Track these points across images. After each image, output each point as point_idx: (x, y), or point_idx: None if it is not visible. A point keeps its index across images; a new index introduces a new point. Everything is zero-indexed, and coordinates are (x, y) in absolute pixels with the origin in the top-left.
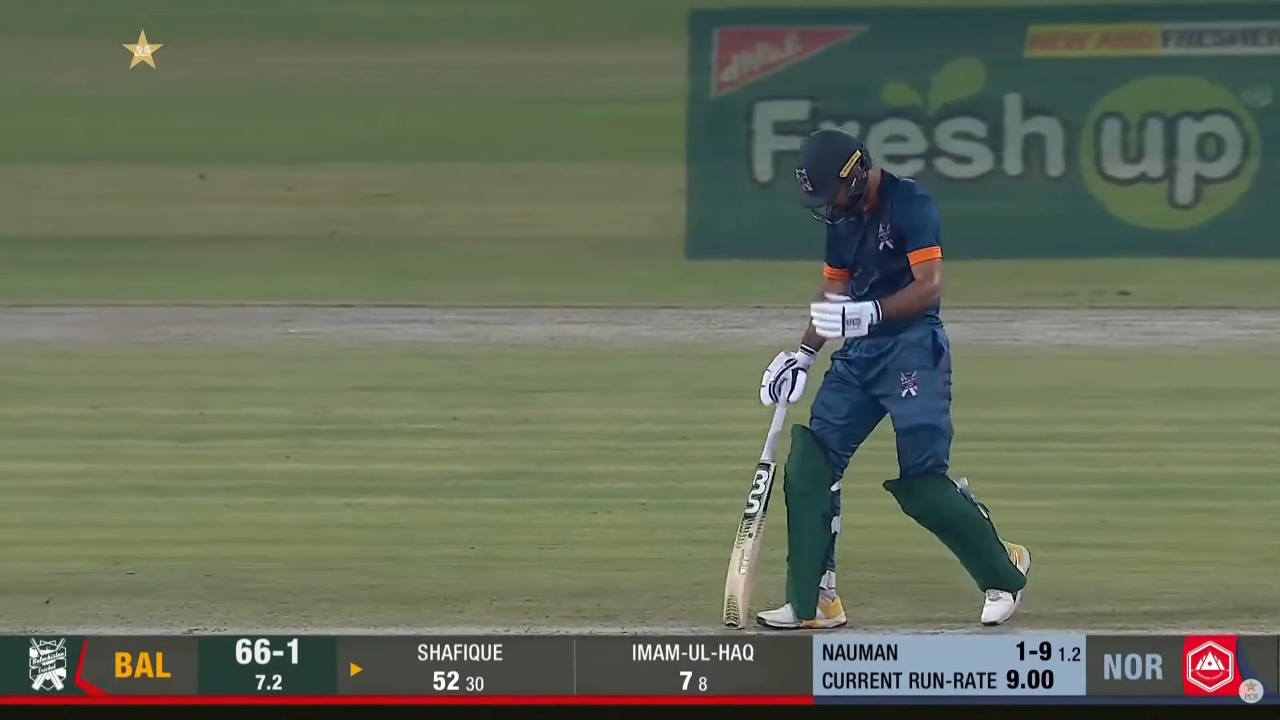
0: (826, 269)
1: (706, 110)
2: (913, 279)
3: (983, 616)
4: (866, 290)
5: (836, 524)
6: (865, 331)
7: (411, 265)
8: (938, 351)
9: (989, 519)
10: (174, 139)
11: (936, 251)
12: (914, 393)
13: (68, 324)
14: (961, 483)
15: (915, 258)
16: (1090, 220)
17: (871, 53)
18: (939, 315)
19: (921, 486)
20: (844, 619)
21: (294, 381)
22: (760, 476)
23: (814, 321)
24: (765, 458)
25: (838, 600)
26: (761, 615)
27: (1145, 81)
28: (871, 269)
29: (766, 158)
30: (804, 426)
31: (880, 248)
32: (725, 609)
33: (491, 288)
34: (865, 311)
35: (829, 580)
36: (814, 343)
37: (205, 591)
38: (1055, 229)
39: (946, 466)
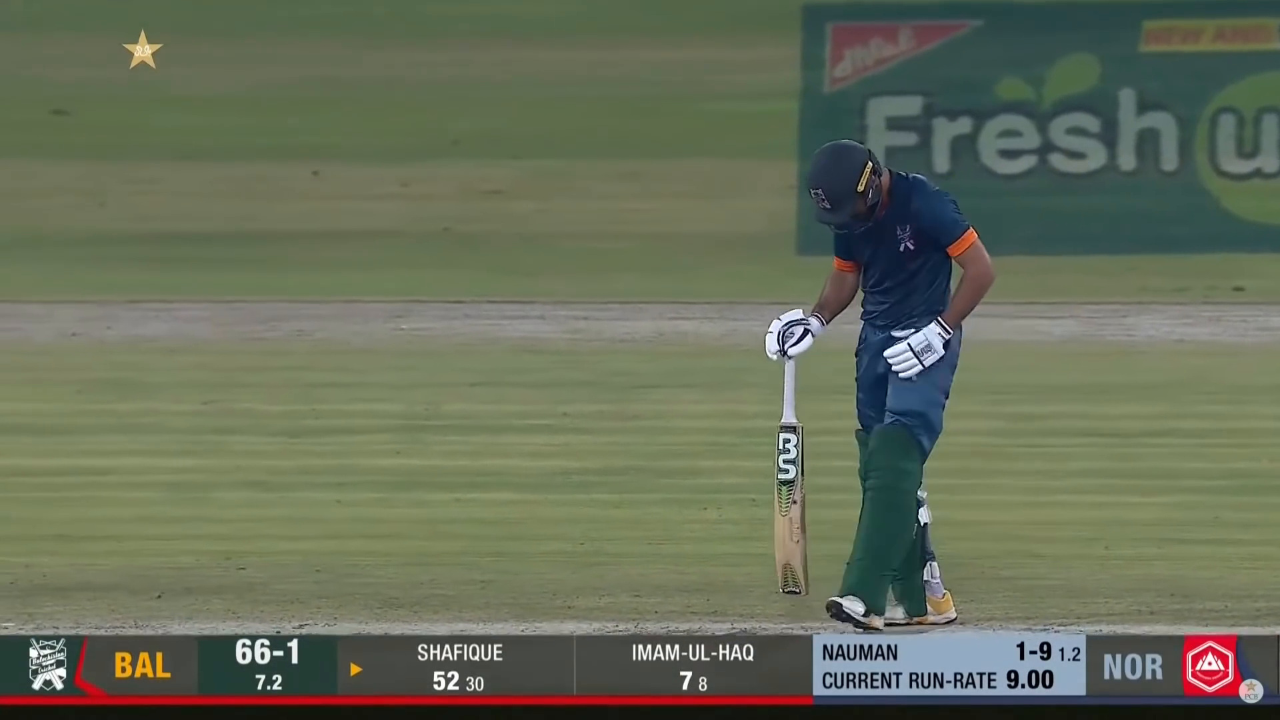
0: (837, 261)
1: (819, 106)
2: (935, 275)
3: (840, 598)
4: (882, 290)
5: (924, 514)
6: (941, 353)
7: (523, 262)
8: (947, 344)
9: (915, 546)
10: (287, 136)
11: (972, 234)
12: (915, 379)
13: (180, 320)
14: (922, 493)
15: (955, 250)
16: (1204, 216)
17: (985, 48)
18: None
19: (895, 436)
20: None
21: (405, 378)
22: (788, 441)
23: (893, 367)
24: (788, 419)
25: (947, 595)
26: (863, 619)
27: (1261, 76)
28: (889, 270)
29: (879, 154)
30: (859, 429)
31: (901, 249)
32: (783, 579)
33: (602, 284)
34: (932, 335)
35: (931, 572)
36: (828, 313)
37: (316, 587)
38: (1169, 224)
39: (925, 449)
